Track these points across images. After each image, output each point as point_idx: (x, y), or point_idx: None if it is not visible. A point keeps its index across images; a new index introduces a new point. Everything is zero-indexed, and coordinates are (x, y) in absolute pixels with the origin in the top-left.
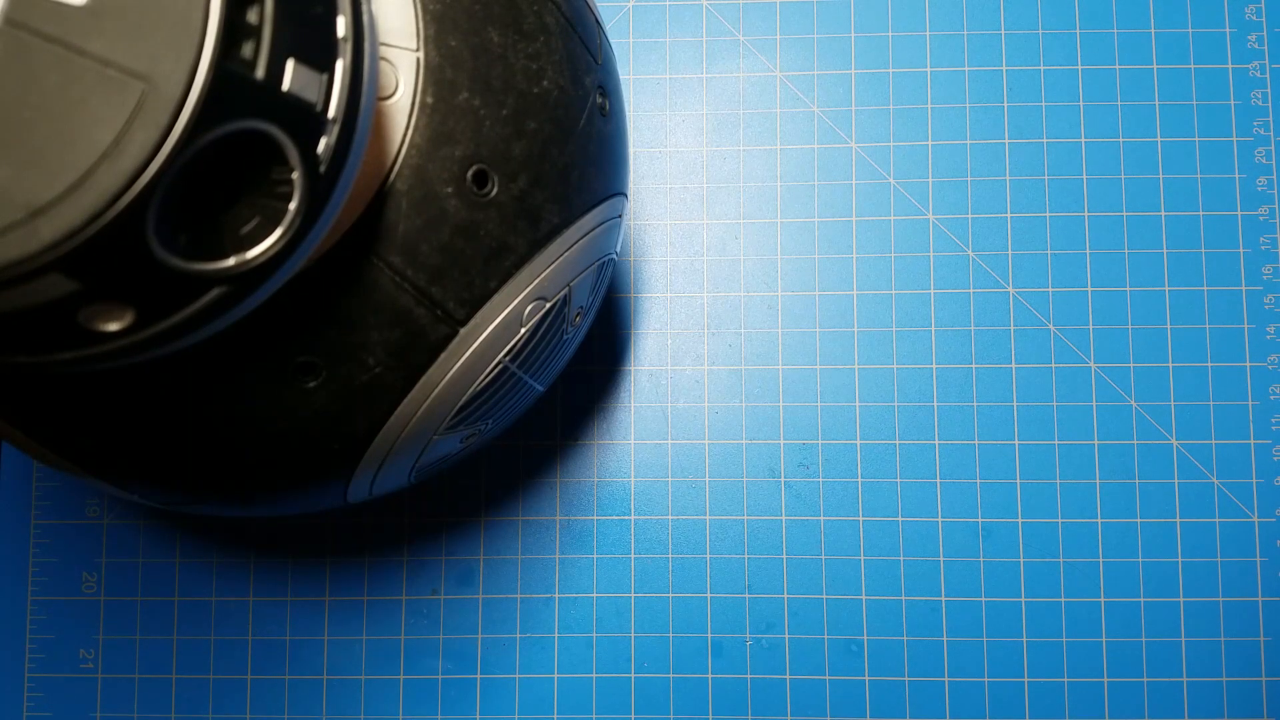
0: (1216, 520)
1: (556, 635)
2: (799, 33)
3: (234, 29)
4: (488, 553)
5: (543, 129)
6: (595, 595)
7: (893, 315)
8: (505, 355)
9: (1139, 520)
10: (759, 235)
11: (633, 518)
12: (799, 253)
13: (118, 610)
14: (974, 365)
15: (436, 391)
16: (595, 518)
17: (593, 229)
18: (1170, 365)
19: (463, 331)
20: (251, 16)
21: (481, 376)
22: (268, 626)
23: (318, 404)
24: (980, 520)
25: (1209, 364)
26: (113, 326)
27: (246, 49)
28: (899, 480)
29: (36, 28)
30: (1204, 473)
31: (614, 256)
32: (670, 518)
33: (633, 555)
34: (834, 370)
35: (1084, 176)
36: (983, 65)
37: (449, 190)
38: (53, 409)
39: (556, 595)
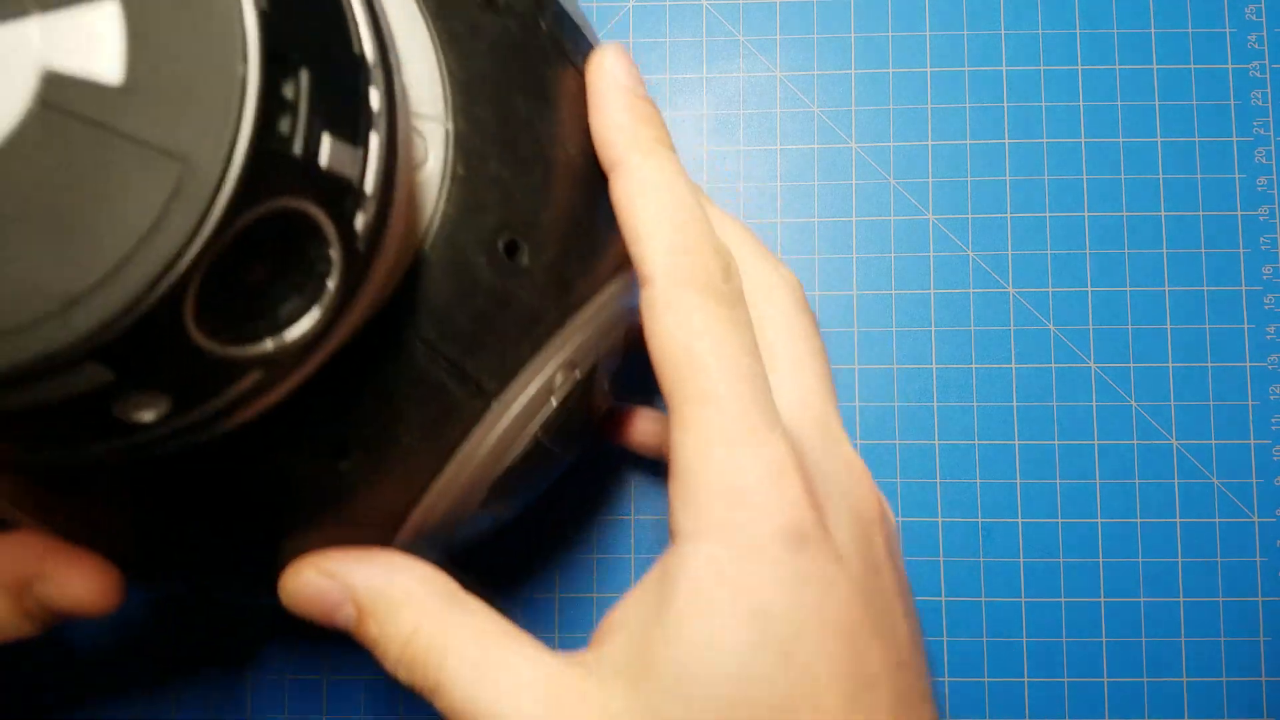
0: (1216, 520)
1: (557, 635)
2: (799, 33)
3: (271, 105)
4: (488, 552)
5: (570, 195)
6: (595, 595)
7: (893, 315)
8: (537, 425)
9: (1139, 520)
10: (759, 235)
11: (633, 517)
12: (799, 253)
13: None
14: (974, 365)
15: (472, 466)
16: (595, 518)
17: (619, 293)
18: (1170, 365)
19: (495, 404)
20: (288, 91)
21: (515, 447)
22: (268, 626)
23: (351, 482)
24: (980, 520)
25: (1209, 364)
26: (147, 416)
27: (283, 125)
28: (899, 480)
29: (73, 109)
30: (1204, 473)
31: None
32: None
33: (633, 555)
34: (834, 370)
35: (1084, 176)
36: (983, 65)
37: (481, 260)
38: (75, 503)
39: (556, 595)
